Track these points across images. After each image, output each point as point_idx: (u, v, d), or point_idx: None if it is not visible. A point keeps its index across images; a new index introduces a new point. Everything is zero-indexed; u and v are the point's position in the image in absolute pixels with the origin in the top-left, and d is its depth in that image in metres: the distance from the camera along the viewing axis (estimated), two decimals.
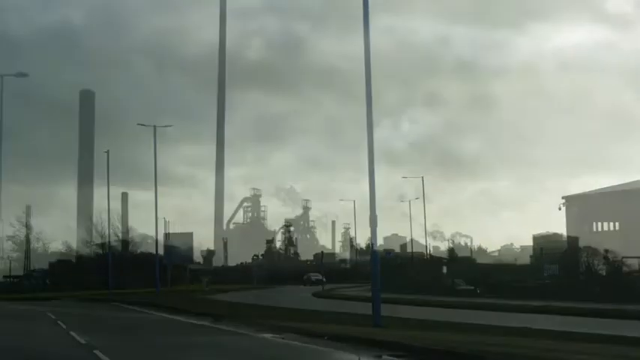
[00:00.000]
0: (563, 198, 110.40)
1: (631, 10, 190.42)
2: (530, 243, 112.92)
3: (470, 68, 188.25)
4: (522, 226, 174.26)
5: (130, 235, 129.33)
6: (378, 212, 26.83)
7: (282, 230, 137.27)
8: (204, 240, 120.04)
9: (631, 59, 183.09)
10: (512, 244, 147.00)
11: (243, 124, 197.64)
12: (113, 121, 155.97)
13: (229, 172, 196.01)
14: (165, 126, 55.70)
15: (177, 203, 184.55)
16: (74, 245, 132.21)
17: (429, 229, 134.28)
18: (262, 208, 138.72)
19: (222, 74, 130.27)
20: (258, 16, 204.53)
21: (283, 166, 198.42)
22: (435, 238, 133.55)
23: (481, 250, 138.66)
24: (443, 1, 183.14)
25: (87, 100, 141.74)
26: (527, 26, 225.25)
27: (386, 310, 27.48)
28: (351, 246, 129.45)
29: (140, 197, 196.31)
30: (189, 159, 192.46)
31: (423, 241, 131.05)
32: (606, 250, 79.68)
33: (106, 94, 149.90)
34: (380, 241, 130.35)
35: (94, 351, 19.14)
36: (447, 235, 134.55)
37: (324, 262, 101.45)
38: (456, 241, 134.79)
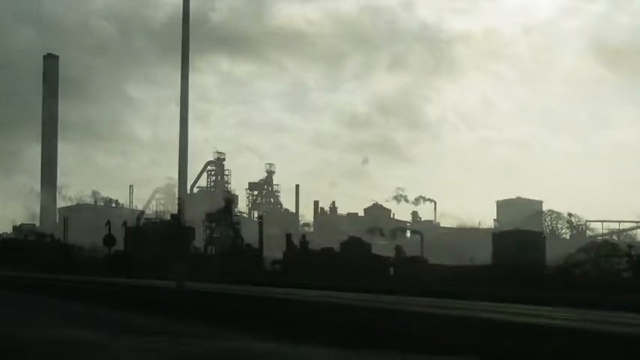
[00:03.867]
0: None
1: None
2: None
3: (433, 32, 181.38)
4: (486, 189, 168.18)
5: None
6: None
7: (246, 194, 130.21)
8: None
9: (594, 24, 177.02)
10: None
11: (207, 86, 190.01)
12: (77, 85, 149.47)
13: (192, 135, 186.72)
14: None
15: (142, 166, 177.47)
16: (37, 210, 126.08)
17: (392, 192, 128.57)
18: (226, 172, 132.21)
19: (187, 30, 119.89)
20: None
21: (247, 129, 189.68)
22: (398, 202, 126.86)
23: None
24: None
25: (51, 64, 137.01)
26: None
27: None
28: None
29: (103, 159, 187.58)
30: (154, 120, 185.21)
31: (387, 205, 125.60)
32: (570, 214, 73.26)
33: (70, 59, 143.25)
34: (361, 213, 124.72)
35: None
36: (411, 198, 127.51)
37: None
38: (419, 205, 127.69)
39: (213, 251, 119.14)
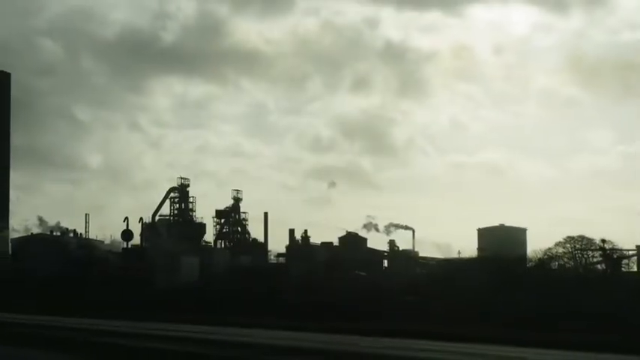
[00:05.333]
0: None
1: None
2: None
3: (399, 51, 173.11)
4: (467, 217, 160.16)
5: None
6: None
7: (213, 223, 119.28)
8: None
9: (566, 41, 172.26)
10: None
11: (160, 109, 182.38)
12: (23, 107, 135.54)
13: (150, 160, 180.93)
14: None
15: (94, 194, 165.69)
16: None
17: (362, 220, 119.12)
18: (191, 199, 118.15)
19: None
20: None
21: (204, 154, 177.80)
22: (368, 230, 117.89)
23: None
24: None
25: (2, 82, 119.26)
26: (459, 7, 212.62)
27: None
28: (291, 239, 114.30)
29: (52, 188, 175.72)
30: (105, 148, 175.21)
31: (361, 234, 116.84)
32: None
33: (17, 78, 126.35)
34: (335, 242, 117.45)
35: None
36: (381, 227, 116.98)
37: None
38: (391, 233, 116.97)
39: (223, 245, 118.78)
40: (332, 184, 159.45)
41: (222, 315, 48.69)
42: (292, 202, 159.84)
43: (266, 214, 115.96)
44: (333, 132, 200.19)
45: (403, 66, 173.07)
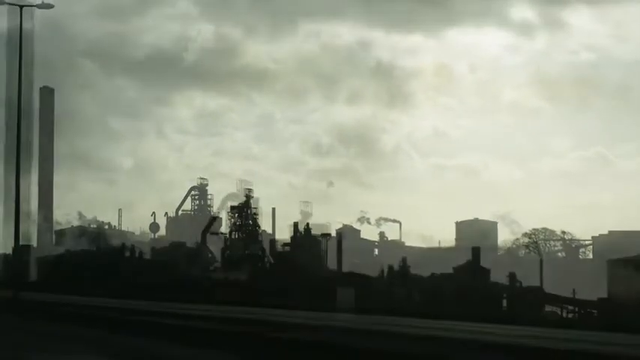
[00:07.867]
0: None
1: (532, 17, 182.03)
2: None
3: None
4: (447, 211, 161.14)
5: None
6: None
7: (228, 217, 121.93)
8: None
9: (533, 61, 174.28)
10: None
11: (183, 119, 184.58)
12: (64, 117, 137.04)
13: (174, 163, 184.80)
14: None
15: (125, 192, 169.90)
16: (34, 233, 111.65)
17: (356, 214, 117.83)
18: (209, 196, 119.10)
19: None
20: (194, 22, 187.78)
21: (220, 157, 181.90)
22: (361, 223, 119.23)
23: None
24: (364, 8, 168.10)
25: (47, 97, 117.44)
26: (439, 32, 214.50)
27: None
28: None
29: (89, 186, 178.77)
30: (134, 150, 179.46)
31: (355, 226, 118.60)
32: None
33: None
34: (333, 234, 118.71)
35: None
36: (373, 220, 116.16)
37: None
38: (381, 226, 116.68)
39: (237, 236, 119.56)
40: (330, 184, 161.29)
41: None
42: (296, 199, 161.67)
43: (274, 210, 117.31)
44: (331, 139, 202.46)
45: (391, 82, 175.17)
